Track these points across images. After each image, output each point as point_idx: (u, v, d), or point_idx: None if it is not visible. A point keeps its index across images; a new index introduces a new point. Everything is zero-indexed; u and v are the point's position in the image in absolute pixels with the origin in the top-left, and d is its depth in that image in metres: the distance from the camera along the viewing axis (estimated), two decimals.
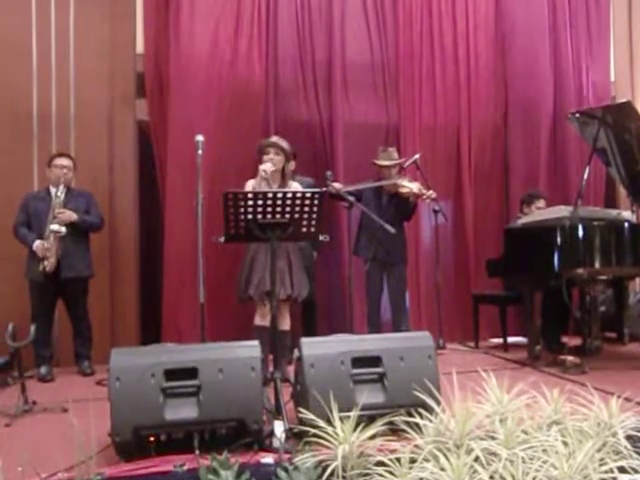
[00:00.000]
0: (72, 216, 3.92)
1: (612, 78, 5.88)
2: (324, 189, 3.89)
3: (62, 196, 3.92)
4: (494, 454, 1.80)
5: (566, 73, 5.63)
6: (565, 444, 1.84)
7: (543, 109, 5.58)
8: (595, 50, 5.76)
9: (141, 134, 4.87)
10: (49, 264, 3.81)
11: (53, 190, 3.99)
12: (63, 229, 3.83)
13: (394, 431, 2.10)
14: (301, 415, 2.17)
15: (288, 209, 2.63)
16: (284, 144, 3.56)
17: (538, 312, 4.09)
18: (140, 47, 4.78)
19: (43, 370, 3.86)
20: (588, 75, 5.70)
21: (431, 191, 4.41)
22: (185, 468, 2.01)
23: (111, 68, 4.67)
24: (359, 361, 2.41)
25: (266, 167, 3.40)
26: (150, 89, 4.75)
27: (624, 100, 4.16)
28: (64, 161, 4.04)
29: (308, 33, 5.08)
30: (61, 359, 4.24)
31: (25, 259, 3.93)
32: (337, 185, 4.10)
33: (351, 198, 4.06)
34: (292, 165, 4.26)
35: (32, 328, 3.07)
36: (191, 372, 2.24)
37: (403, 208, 4.42)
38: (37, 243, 3.83)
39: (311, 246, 4.35)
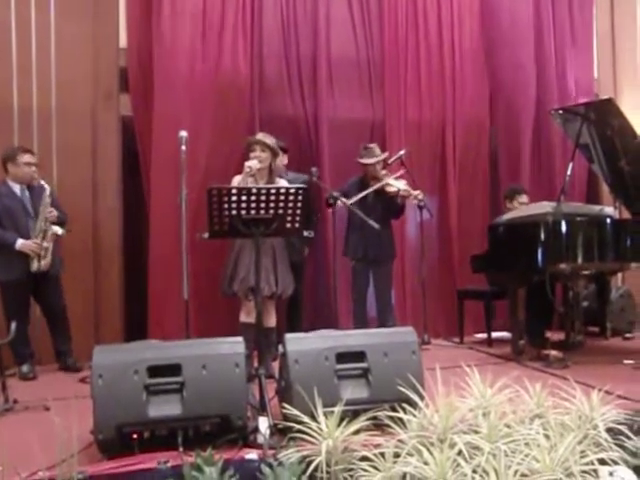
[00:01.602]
0: (54, 213, 3.90)
1: (595, 75, 5.93)
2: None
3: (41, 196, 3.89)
4: (477, 448, 1.81)
5: (549, 70, 5.67)
6: (547, 437, 1.86)
7: (526, 105, 5.61)
8: (578, 47, 5.80)
9: (125, 129, 4.82)
10: (45, 263, 3.82)
11: (16, 187, 3.91)
12: (60, 230, 3.89)
13: (378, 426, 2.12)
14: (285, 411, 2.17)
15: (272, 205, 2.63)
16: (269, 141, 3.55)
17: (522, 307, 4.12)
18: (123, 41, 4.73)
19: (25, 368, 3.82)
20: (571, 72, 5.74)
21: (418, 191, 4.43)
22: (169, 465, 2.01)
23: (94, 63, 4.61)
24: (343, 357, 2.42)
25: (251, 164, 3.40)
26: (133, 84, 4.70)
27: (606, 97, 4.20)
28: (31, 158, 3.95)
29: (293, 28, 5.05)
30: (43, 357, 4.19)
31: None
32: (343, 199, 4.13)
33: (336, 193, 4.10)
34: (284, 160, 4.27)
35: (12, 326, 3.03)
36: (174, 369, 2.23)
37: (390, 206, 4.44)
38: (24, 242, 3.77)
39: (303, 241, 4.34)
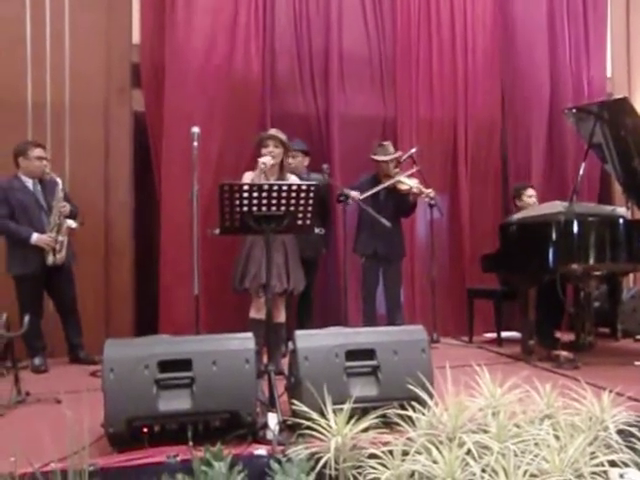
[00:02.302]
0: (68, 207, 3.94)
1: (609, 74, 5.88)
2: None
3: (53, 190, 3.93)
4: (486, 447, 1.81)
5: (563, 68, 5.63)
6: (557, 438, 1.85)
7: (540, 104, 5.58)
8: (592, 46, 5.76)
9: (137, 125, 4.84)
10: (61, 257, 3.87)
11: (28, 181, 3.94)
12: (74, 224, 3.94)
13: (387, 424, 2.11)
14: (295, 407, 2.18)
15: (283, 201, 2.62)
16: (283, 137, 3.55)
17: (532, 307, 4.10)
18: (136, 37, 4.75)
19: (37, 361, 3.86)
20: (585, 71, 5.69)
21: (430, 190, 4.43)
22: (178, 459, 2.01)
23: (107, 58, 4.63)
24: (353, 354, 2.41)
25: (265, 160, 3.40)
26: (146, 80, 4.72)
27: (621, 96, 4.16)
28: (41, 152, 3.98)
29: (305, 24, 5.06)
30: (55, 350, 4.23)
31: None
32: (354, 193, 4.18)
33: (347, 190, 4.11)
34: (305, 161, 4.34)
35: (26, 319, 3.06)
36: (185, 364, 2.24)
37: (401, 204, 4.43)
38: (40, 237, 3.81)
39: (321, 240, 4.38)
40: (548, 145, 5.65)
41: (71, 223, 3.93)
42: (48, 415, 2.66)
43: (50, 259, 3.84)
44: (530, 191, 4.78)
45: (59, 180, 3.94)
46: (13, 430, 2.46)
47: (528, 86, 5.57)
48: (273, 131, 3.63)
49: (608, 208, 4.32)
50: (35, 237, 3.81)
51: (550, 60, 5.62)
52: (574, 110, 4.21)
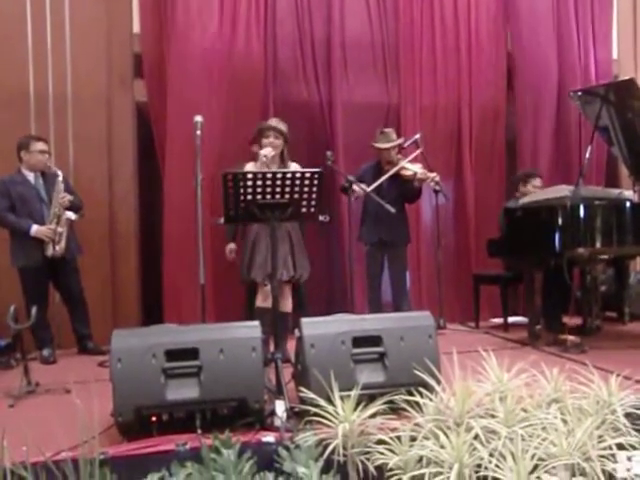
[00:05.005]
0: (67, 198, 3.94)
1: (615, 56, 5.81)
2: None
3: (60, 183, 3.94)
4: (494, 432, 1.81)
5: (569, 51, 5.56)
6: (564, 422, 1.85)
7: (546, 87, 5.51)
8: (598, 28, 5.67)
9: (139, 115, 4.83)
10: (60, 248, 3.88)
11: (30, 175, 3.96)
12: (74, 215, 3.95)
13: (394, 410, 2.12)
14: (302, 394, 2.18)
15: (287, 189, 2.62)
16: (283, 127, 3.54)
17: (539, 292, 4.09)
18: (137, 27, 4.72)
19: (46, 352, 3.89)
20: (591, 53, 5.62)
21: (434, 174, 4.40)
22: (187, 447, 2.03)
23: (108, 48, 4.61)
24: (359, 341, 2.41)
25: (266, 152, 3.40)
26: (148, 70, 4.71)
27: (627, 78, 4.11)
28: (43, 146, 4.00)
29: (307, 11, 5.01)
30: (63, 341, 4.26)
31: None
32: (358, 189, 4.10)
33: (352, 177, 4.09)
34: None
35: (33, 311, 3.08)
36: (192, 352, 2.25)
37: (405, 190, 4.41)
38: (39, 228, 3.83)
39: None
40: (554, 128, 5.59)
41: (70, 215, 3.94)
42: (58, 405, 2.69)
43: (50, 250, 3.86)
44: (537, 181, 4.73)
45: (59, 172, 3.95)
46: (24, 420, 2.47)
47: (534, 69, 5.50)
48: (274, 122, 3.62)
49: (615, 191, 4.29)
50: (34, 229, 3.83)
51: (556, 42, 5.54)
52: (580, 93, 4.17)
